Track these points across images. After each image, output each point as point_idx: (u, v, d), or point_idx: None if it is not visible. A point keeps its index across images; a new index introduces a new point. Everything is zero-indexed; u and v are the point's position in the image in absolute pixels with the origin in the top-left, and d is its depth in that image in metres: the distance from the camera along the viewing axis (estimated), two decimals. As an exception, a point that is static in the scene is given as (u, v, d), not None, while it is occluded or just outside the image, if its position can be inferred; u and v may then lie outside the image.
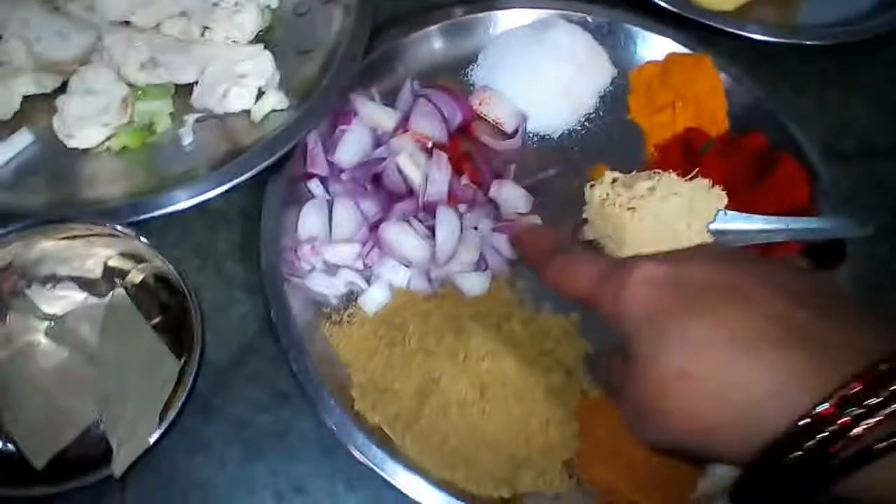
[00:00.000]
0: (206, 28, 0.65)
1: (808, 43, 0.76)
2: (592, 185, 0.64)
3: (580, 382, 0.59)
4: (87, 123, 0.62)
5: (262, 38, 0.70)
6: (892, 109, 0.77)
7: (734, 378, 0.33)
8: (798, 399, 0.32)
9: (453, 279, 0.62)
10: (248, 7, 0.66)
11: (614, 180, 0.64)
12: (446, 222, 0.61)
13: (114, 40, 0.65)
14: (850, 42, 0.77)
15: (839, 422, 0.31)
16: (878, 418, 0.30)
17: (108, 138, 0.64)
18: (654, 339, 0.36)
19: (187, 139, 0.64)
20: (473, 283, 0.61)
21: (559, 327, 0.61)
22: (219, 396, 0.58)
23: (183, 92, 0.66)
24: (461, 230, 0.62)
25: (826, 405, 0.31)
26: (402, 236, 0.60)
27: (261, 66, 0.65)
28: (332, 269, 0.61)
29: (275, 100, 0.65)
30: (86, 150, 0.64)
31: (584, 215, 0.64)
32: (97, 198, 0.62)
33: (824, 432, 0.31)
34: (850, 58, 0.78)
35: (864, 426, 0.30)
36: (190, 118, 0.65)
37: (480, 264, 0.63)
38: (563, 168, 0.68)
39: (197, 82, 0.64)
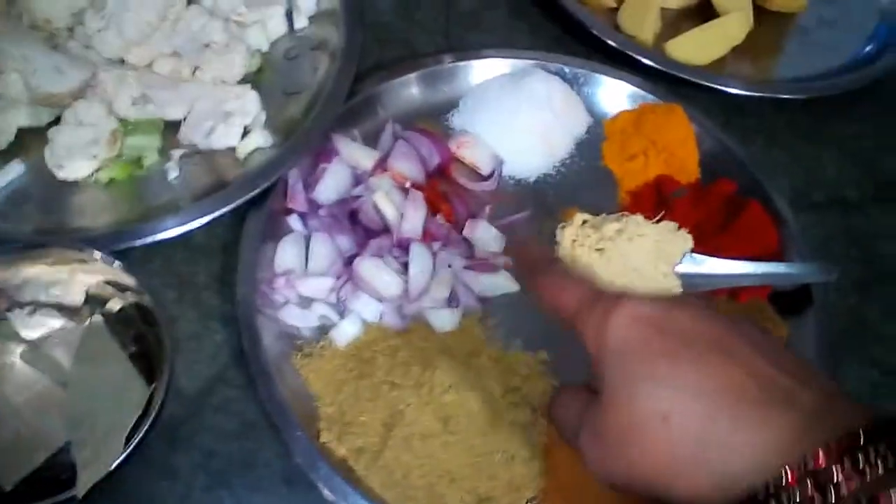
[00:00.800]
0: (196, 68, 0.68)
1: (780, 97, 0.78)
2: (563, 227, 0.67)
3: (545, 421, 0.60)
4: (76, 155, 0.65)
5: (252, 79, 0.72)
6: (863, 163, 0.79)
7: (715, 429, 0.34)
8: (772, 461, 0.32)
9: (425, 315, 0.63)
10: (237, 49, 0.68)
11: (584, 222, 0.66)
12: (419, 258, 0.63)
13: (108, 76, 0.67)
14: (823, 97, 0.79)
15: (801, 491, 0.31)
16: (840, 491, 0.30)
17: (97, 170, 0.66)
18: (636, 378, 0.36)
19: (173, 173, 0.67)
20: (444, 319, 0.63)
21: (527, 365, 0.62)
22: (187, 424, 0.59)
23: (171, 128, 0.69)
24: (434, 267, 0.64)
25: (790, 475, 0.32)
26: (376, 271, 0.62)
27: (247, 105, 0.67)
28: (305, 301, 0.63)
29: (259, 138, 0.67)
30: (75, 181, 0.66)
31: (554, 256, 0.66)
32: (84, 227, 0.64)
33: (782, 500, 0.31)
34: (822, 112, 0.81)
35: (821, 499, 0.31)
36: (176, 153, 0.67)
37: (452, 301, 0.64)
38: (537, 211, 0.70)
39: (185, 119, 0.67)
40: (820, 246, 0.73)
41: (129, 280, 0.58)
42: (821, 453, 0.31)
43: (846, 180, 0.77)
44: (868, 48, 0.87)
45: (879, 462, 0.30)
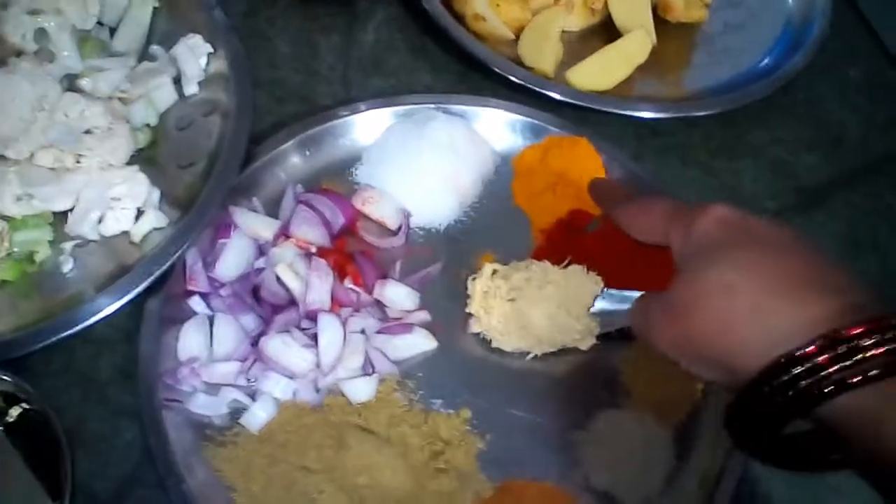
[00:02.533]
0: (80, 155, 0.65)
1: (686, 115, 0.77)
2: (473, 279, 0.65)
3: (472, 484, 0.59)
4: (-39, 261, 0.62)
5: (145, 155, 0.70)
6: (779, 171, 0.78)
7: (771, 301, 0.40)
8: (818, 330, 0.38)
9: (340, 386, 0.61)
10: (119, 131, 0.66)
11: (494, 272, 0.65)
12: (328, 329, 0.61)
13: (-13, 175, 0.65)
14: (733, 108, 0.79)
15: (816, 360, 0.37)
16: (853, 360, 0.37)
17: (-13, 274, 0.63)
18: (709, 258, 0.43)
19: (67, 266, 0.64)
20: (360, 390, 0.61)
21: (449, 427, 0.60)
22: (104, 532, 0.57)
23: (62, 217, 0.66)
24: (345, 336, 0.62)
25: (811, 346, 0.38)
26: (284, 348, 0.60)
27: (135, 188, 0.65)
28: (214, 388, 0.60)
29: (154, 219, 0.65)
30: (-36, 288, 0.63)
31: (468, 309, 0.65)
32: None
33: (798, 368, 0.38)
34: (735, 123, 0.80)
35: (838, 367, 0.37)
36: (68, 245, 0.64)
37: (367, 368, 0.62)
38: (450, 260, 0.68)
39: (71, 210, 0.64)
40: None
41: (25, 389, 0.56)
42: (855, 329, 0.37)
43: (764, 191, 0.77)
44: (777, 49, 0.87)
45: None
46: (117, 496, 0.58)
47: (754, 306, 0.40)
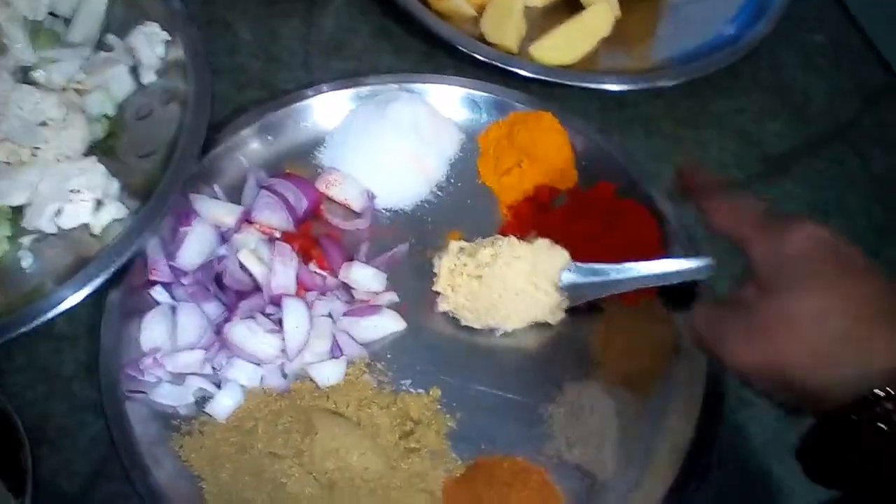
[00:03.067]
0: (35, 148, 0.64)
1: (651, 86, 0.77)
2: (440, 257, 0.65)
3: (444, 462, 0.58)
4: (-82, 259, 0.61)
5: (104, 146, 0.69)
6: (744, 140, 0.78)
7: (861, 332, 0.40)
8: (892, 372, 0.38)
9: (308, 371, 0.60)
10: (75, 122, 0.65)
11: (460, 249, 0.64)
12: (293, 313, 0.60)
13: (-58, 173, 0.63)
14: (697, 78, 0.78)
15: None
16: None
17: (-54, 271, 0.62)
18: (803, 281, 0.42)
19: (26, 260, 0.63)
20: (328, 373, 0.60)
21: (419, 407, 0.60)
22: (73, 529, 0.56)
23: (21, 212, 0.65)
24: (311, 319, 0.61)
25: None
26: (248, 335, 0.59)
27: (94, 179, 0.64)
28: (179, 378, 0.60)
29: (114, 210, 0.64)
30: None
31: (435, 287, 0.64)
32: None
33: (884, 405, 0.38)
34: (700, 92, 0.80)
35: None
36: (26, 240, 0.63)
37: (334, 351, 0.62)
38: (417, 240, 0.68)
39: (28, 204, 0.63)
40: (709, 234, 0.71)
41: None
42: None
43: (729, 160, 0.76)
44: (741, 17, 0.86)
45: None
46: (83, 491, 0.57)
47: (846, 335, 0.40)
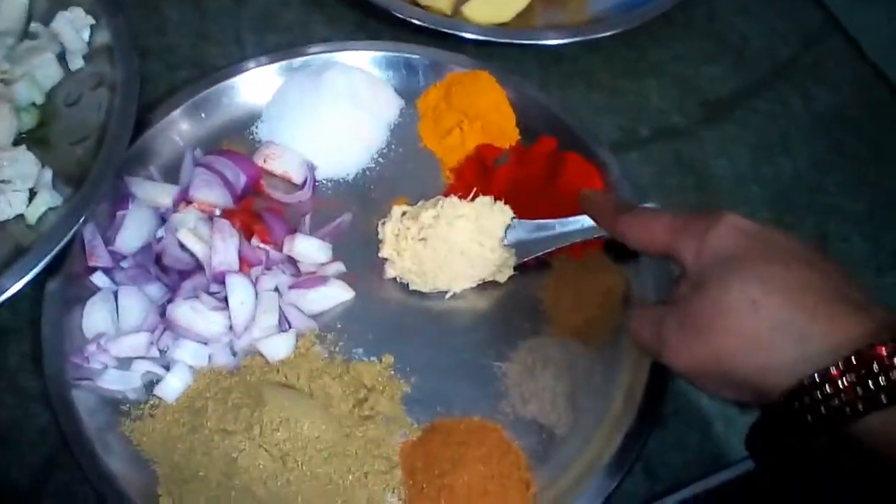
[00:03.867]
0: (-38, 140, 0.63)
1: (590, 38, 0.76)
2: (383, 223, 0.64)
3: (400, 426, 0.58)
4: None
5: (36, 135, 0.67)
6: (684, 87, 0.78)
7: (796, 317, 0.39)
8: (842, 350, 0.37)
9: (257, 346, 0.60)
10: (2, 113, 0.63)
11: (403, 214, 0.64)
12: (238, 289, 0.60)
13: None
14: (634, 28, 0.78)
15: (847, 379, 0.37)
16: (884, 379, 0.36)
17: None
18: (731, 271, 0.41)
19: (-40, 256, 0.62)
20: (278, 347, 0.60)
21: (372, 374, 0.60)
22: (25, 520, 0.55)
23: (-49, 208, 0.63)
24: (256, 294, 0.60)
25: (843, 365, 0.37)
26: (192, 314, 0.58)
27: (24, 169, 0.62)
28: (125, 363, 0.59)
29: (48, 199, 0.62)
30: None
31: (381, 254, 0.64)
32: None
33: (830, 387, 0.37)
34: (636, 44, 0.79)
35: (869, 386, 0.36)
36: (-42, 233, 0.62)
37: (283, 325, 0.61)
38: (362, 209, 0.67)
39: (-42, 199, 0.62)
40: (654, 182, 0.72)
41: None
42: (884, 348, 0.36)
43: (671, 108, 0.76)
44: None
45: None
46: (36, 483, 0.56)
47: (781, 323, 0.39)
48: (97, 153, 0.64)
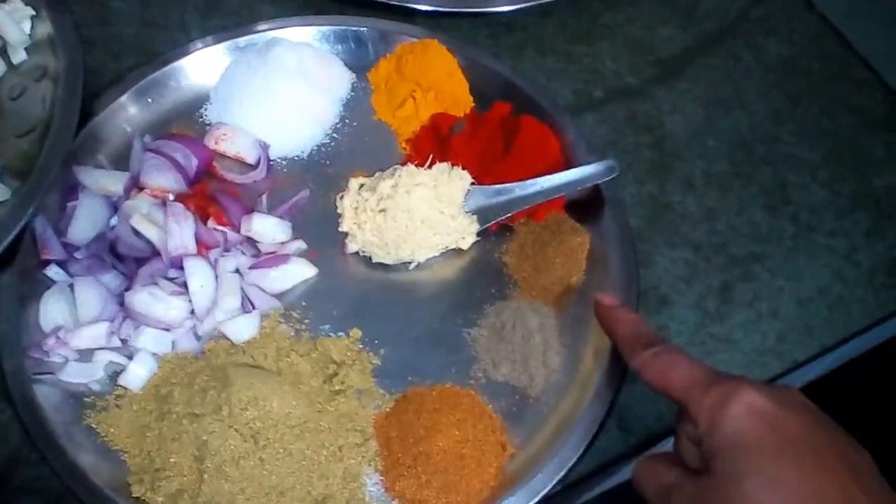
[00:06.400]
0: None
1: (541, 3, 0.76)
2: (341, 197, 0.63)
3: (373, 399, 0.58)
4: None
5: (-23, 132, 0.66)
6: (636, 48, 0.78)
7: None
8: None
9: (221, 329, 0.59)
10: (-60, 107, 0.61)
11: (361, 186, 0.63)
12: (197, 273, 0.59)
13: None
14: (585, -10, 0.78)
15: None
16: None
17: None
18: (745, 469, 0.40)
19: None
20: (242, 328, 0.59)
21: (340, 349, 0.59)
22: (-11, 519, 0.54)
23: None
24: (216, 277, 0.59)
25: None
26: (151, 301, 0.57)
27: (-33, 162, 0.61)
28: (87, 354, 0.57)
29: (-4, 192, 0.61)
30: None
31: (341, 228, 0.63)
32: None
33: None
34: (587, 8, 0.79)
35: None
36: None
37: (246, 307, 0.60)
38: (319, 186, 0.66)
39: None
40: (611, 142, 0.72)
41: None
42: None
43: (624, 69, 0.76)
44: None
45: None
46: (1, 480, 0.55)
47: None
48: (43, 145, 0.63)
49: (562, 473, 0.55)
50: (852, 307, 0.65)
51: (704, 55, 0.78)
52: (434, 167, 0.62)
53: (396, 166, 0.63)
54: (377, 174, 0.63)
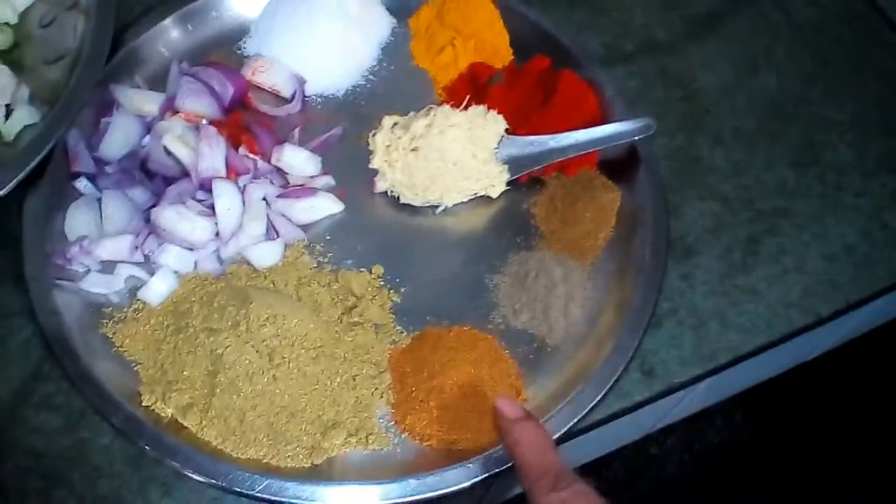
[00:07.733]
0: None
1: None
2: (374, 134, 0.63)
3: (389, 334, 0.57)
4: None
5: (10, 57, 0.65)
6: (668, 2, 0.76)
7: None
8: None
9: (244, 253, 0.59)
10: (-28, 32, 0.62)
11: (395, 124, 0.63)
12: (225, 196, 0.58)
13: None
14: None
15: None
16: None
17: None
18: None
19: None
20: (265, 254, 0.59)
21: (361, 283, 0.59)
22: (8, 433, 0.53)
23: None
24: (244, 202, 0.59)
25: None
26: (178, 219, 0.57)
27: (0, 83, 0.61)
28: (108, 266, 0.57)
29: (25, 115, 0.61)
30: None
31: (371, 165, 0.63)
32: None
33: None
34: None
35: None
36: (-64, 150, 0.60)
37: (270, 234, 0.60)
38: (352, 125, 0.66)
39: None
40: (640, 95, 0.71)
41: None
42: None
43: (655, 24, 0.75)
44: None
45: None
46: (20, 395, 0.55)
47: None
48: (74, 68, 0.62)
49: (574, 420, 0.54)
50: (878, 266, 0.64)
51: (734, 14, 0.77)
52: (470, 109, 0.61)
53: (432, 105, 0.62)
54: (411, 113, 0.63)
